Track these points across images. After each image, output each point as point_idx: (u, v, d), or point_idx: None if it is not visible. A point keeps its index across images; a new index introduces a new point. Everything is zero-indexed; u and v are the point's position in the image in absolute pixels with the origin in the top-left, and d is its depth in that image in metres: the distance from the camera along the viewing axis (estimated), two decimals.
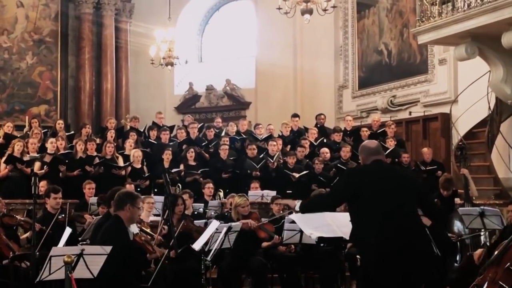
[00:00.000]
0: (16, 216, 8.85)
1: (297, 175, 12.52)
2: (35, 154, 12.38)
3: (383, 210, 5.49)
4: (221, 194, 11.95)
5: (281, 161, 13.14)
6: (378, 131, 14.33)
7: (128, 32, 20.21)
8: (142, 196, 8.33)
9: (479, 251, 7.62)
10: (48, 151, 12.37)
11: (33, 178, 7.07)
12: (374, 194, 5.56)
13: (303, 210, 6.05)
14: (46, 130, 14.89)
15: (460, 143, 12.20)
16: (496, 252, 6.34)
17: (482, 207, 9.08)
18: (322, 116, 15.40)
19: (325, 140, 14.40)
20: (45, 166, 11.90)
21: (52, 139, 12.67)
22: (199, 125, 15.00)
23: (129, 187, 10.84)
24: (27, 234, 8.58)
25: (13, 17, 19.05)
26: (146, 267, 7.57)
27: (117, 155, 12.79)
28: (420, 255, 5.49)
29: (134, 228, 7.30)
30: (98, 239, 6.45)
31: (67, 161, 12.22)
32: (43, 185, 10.39)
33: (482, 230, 8.94)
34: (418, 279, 5.50)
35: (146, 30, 18.27)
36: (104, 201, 8.74)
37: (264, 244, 9.33)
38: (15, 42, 19.05)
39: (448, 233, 9.23)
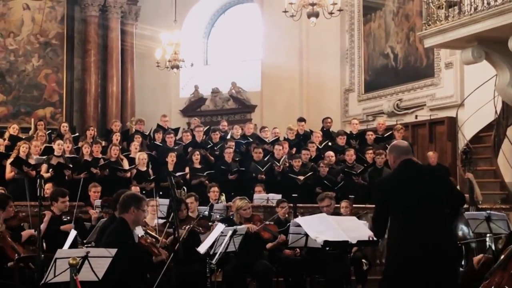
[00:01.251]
0: (19, 214, 8.81)
1: (302, 178, 12.51)
2: (39, 156, 12.40)
3: (410, 213, 5.52)
4: (223, 197, 11.93)
5: (287, 164, 13.12)
6: (384, 135, 14.29)
7: (134, 34, 20.25)
8: (147, 199, 8.32)
9: (479, 256, 7.60)
10: (55, 153, 12.40)
11: (38, 181, 7.05)
12: (402, 197, 5.58)
13: (380, 236, 6.02)
14: (50, 131, 14.89)
15: (465, 147, 12.16)
16: (502, 257, 6.32)
17: (488, 211, 9.02)
18: (329, 120, 15.38)
19: (330, 144, 14.38)
20: (50, 169, 11.93)
21: (60, 141, 12.70)
22: (205, 129, 15.01)
23: (135, 189, 10.85)
24: (32, 231, 8.50)
25: (19, 19, 19.11)
26: (151, 270, 7.54)
27: (122, 157, 12.80)
28: (445, 260, 5.49)
29: (139, 231, 7.28)
30: (103, 242, 6.43)
31: (71, 165, 12.23)
32: (48, 188, 10.41)
33: (489, 234, 8.90)
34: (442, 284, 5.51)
35: (152, 33, 18.30)
36: (109, 204, 8.74)
37: (269, 245, 9.32)
38: (21, 44, 19.10)
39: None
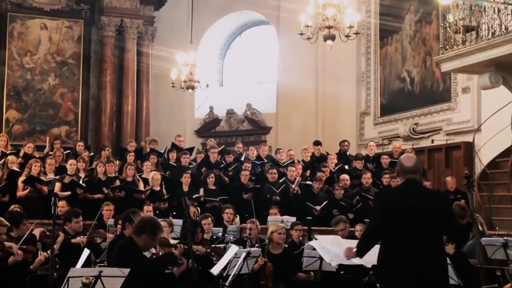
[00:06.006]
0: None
1: (318, 208, 12.41)
2: (53, 176, 12.38)
3: (406, 240, 5.43)
4: (237, 219, 11.87)
5: (302, 185, 13.07)
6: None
7: (150, 55, 20.28)
8: (159, 219, 8.26)
9: (508, 286, 7.47)
10: (68, 172, 12.40)
11: (52, 199, 7.02)
12: (398, 220, 5.48)
13: (360, 254, 5.90)
14: (68, 151, 14.88)
15: (466, 172, 12.06)
16: None
17: (505, 237, 8.90)
18: (346, 143, 15.34)
19: (346, 167, 14.30)
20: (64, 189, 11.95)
21: (72, 161, 12.70)
22: (220, 148, 14.99)
23: (147, 209, 10.81)
24: (45, 254, 8.45)
25: (36, 38, 19.20)
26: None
27: (138, 178, 12.79)
28: None
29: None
30: (113, 262, 6.36)
31: (84, 184, 12.23)
32: (62, 205, 10.38)
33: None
34: None
35: (168, 54, 18.36)
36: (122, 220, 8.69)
37: None
38: (38, 63, 19.18)
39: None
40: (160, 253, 7.09)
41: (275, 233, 9.22)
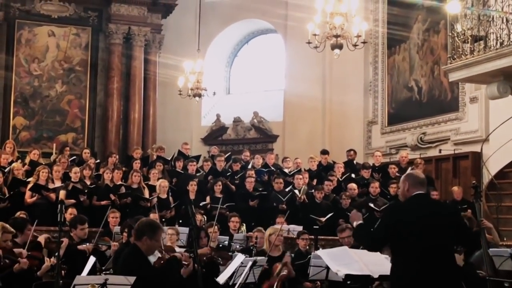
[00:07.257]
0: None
1: (323, 220, 12.36)
2: (59, 183, 12.38)
3: (420, 251, 5.41)
4: (244, 227, 11.83)
5: (309, 194, 13.04)
6: (407, 169, 14.12)
7: (157, 63, 20.29)
8: (165, 227, 8.23)
9: None
10: (72, 179, 12.41)
11: (59, 206, 7.00)
12: (412, 234, 5.47)
13: (355, 235, 5.99)
14: (74, 157, 14.89)
15: (473, 182, 12.03)
16: None
17: None
18: (352, 152, 15.31)
19: (353, 175, 14.26)
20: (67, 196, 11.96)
21: (76, 169, 12.71)
22: (227, 155, 14.97)
23: (153, 217, 10.76)
24: (51, 261, 8.43)
25: (44, 45, 19.24)
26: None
27: (144, 185, 12.77)
28: None
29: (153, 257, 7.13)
30: (118, 271, 6.33)
31: (86, 191, 12.21)
32: (71, 212, 10.38)
33: None
34: None
35: (175, 62, 18.37)
36: (128, 230, 8.67)
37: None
38: (45, 70, 19.20)
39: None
40: (166, 257, 7.06)
41: (273, 235, 9.23)
